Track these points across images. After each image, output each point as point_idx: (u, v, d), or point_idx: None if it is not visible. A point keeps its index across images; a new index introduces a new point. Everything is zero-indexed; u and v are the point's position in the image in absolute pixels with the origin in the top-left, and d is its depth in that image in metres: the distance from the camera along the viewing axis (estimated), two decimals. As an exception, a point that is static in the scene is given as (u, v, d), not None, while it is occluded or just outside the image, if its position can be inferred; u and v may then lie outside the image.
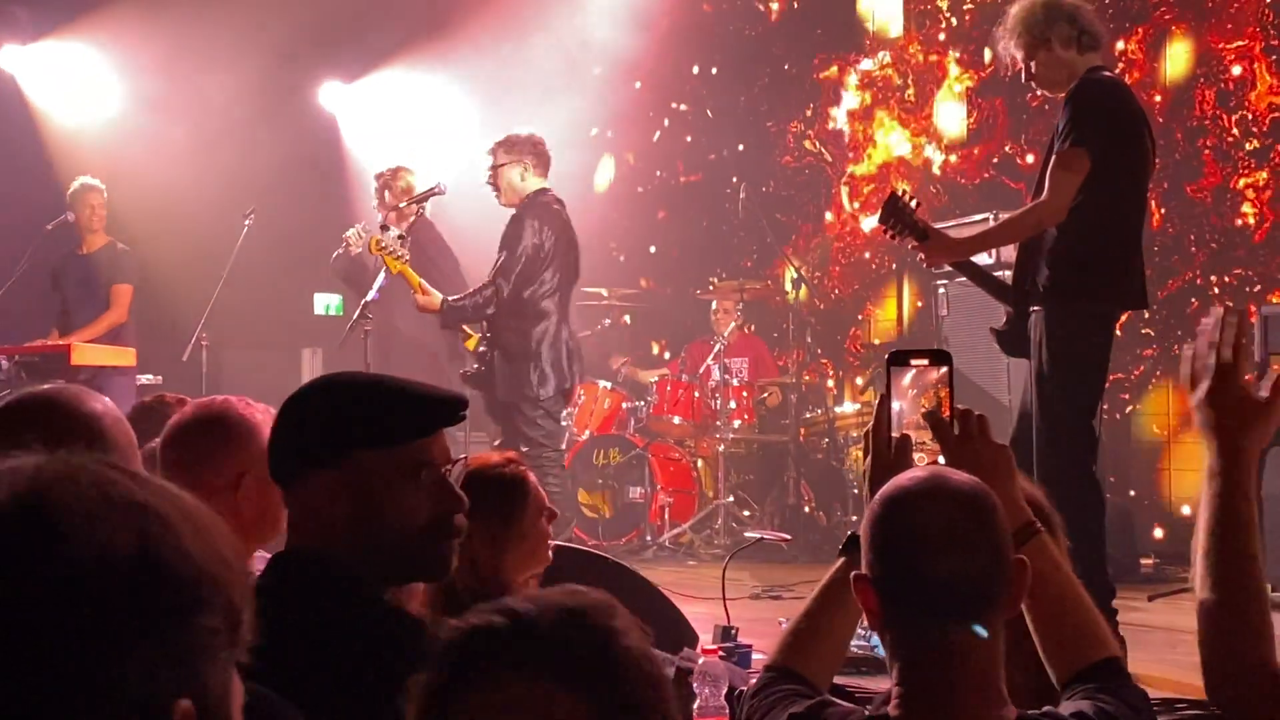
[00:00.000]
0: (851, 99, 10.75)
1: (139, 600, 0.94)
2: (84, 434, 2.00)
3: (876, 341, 10.29)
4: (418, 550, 2.21)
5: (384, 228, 7.48)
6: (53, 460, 1.00)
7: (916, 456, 2.24)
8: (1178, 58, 8.62)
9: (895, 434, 2.24)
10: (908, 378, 2.26)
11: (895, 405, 2.25)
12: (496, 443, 7.40)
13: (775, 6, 11.32)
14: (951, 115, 10.02)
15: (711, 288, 10.43)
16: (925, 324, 9.12)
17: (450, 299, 7.32)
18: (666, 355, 11.67)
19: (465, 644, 1.27)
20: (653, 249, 12.13)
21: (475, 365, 7.38)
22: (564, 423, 9.11)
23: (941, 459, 2.19)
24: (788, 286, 10.12)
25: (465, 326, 7.48)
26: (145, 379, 8.99)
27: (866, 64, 10.62)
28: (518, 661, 1.24)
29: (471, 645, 1.26)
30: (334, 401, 2.26)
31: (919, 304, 9.92)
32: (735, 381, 9.51)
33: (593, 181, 12.28)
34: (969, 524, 1.92)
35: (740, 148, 11.54)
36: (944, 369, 2.25)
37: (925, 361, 2.27)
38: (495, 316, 7.28)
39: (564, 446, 8.38)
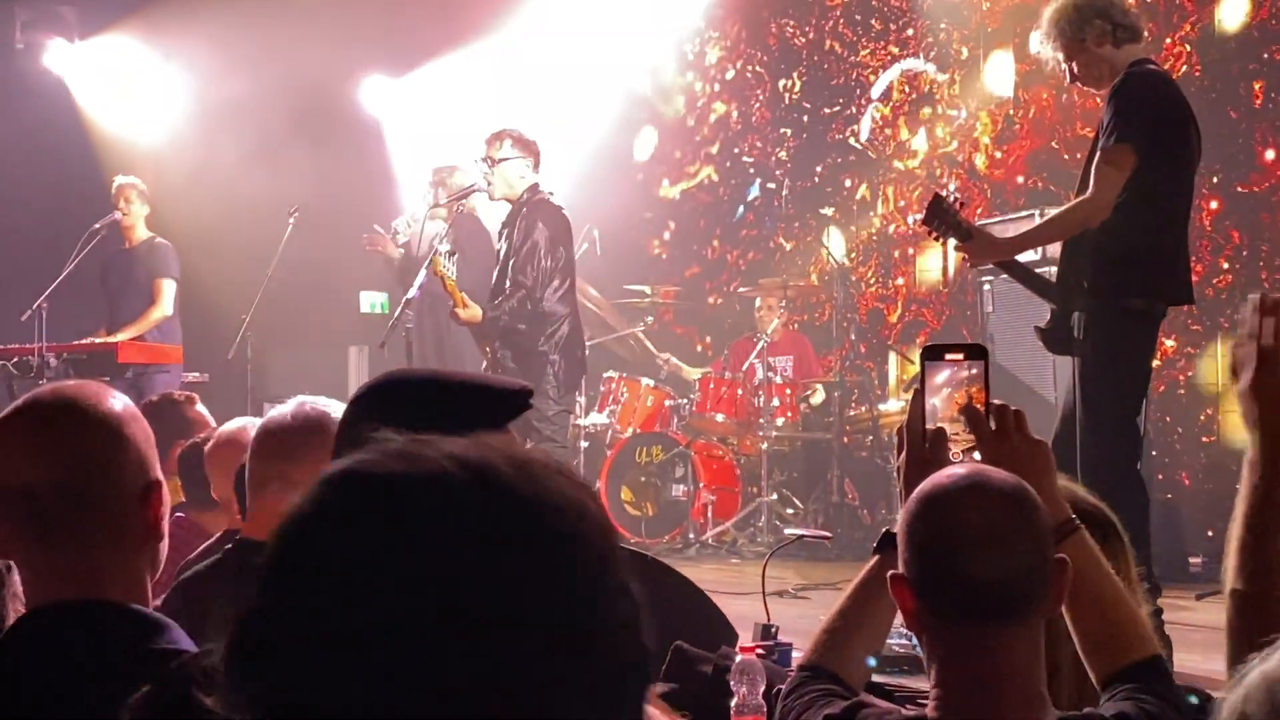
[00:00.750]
0: (896, 95, 10.69)
1: (622, 563, 0.95)
2: (103, 433, 2.00)
3: (919, 339, 10.22)
4: None
5: (450, 253, 7.48)
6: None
7: (950, 451, 2.21)
8: (1226, 49, 8.52)
9: (930, 428, 2.21)
10: (943, 374, 2.23)
11: (930, 401, 2.22)
12: None
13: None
14: (996, 110, 9.95)
15: (756, 285, 10.38)
16: (974, 322, 9.06)
17: (489, 311, 7.34)
18: (710, 354, 11.63)
19: None
20: (694, 246, 12.10)
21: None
22: (585, 420, 9.16)
23: (977, 454, 2.16)
24: (831, 283, 10.04)
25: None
26: (192, 377, 9.06)
27: (912, 62, 10.56)
28: None
29: None
30: (414, 396, 2.26)
31: (969, 301, 9.84)
32: (779, 379, 9.48)
33: (637, 185, 12.24)
34: (1010, 523, 1.89)
35: (785, 143, 11.49)
36: (980, 364, 2.21)
37: (960, 356, 2.22)
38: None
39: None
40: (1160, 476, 7.81)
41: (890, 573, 1.96)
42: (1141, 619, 2.11)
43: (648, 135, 12.38)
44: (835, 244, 10.68)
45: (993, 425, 2.17)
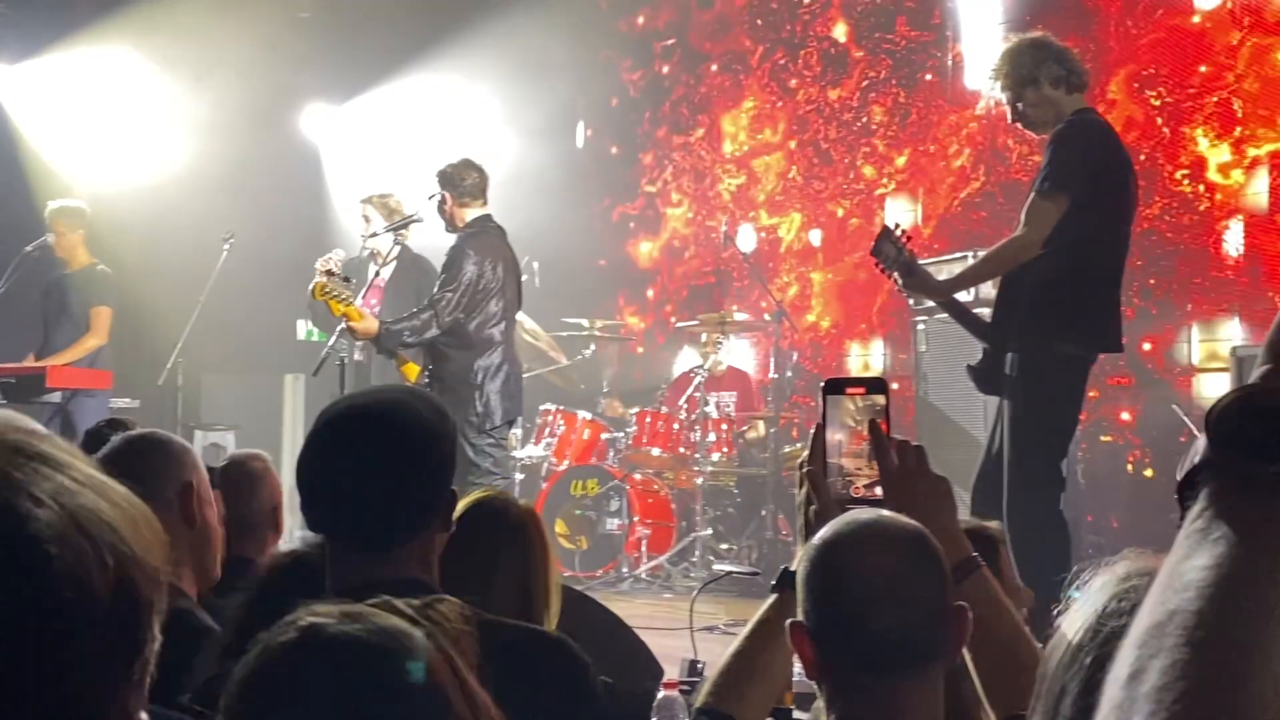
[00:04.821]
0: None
1: None
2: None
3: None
4: None
5: (329, 273, 7.29)
6: None
7: (844, 483, 2.19)
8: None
9: (832, 462, 2.19)
10: (845, 407, 2.19)
11: (833, 436, 2.19)
12: None
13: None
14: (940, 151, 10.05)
15: (697, 321, 10.36)
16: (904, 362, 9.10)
17: (387, 323, 7.15)
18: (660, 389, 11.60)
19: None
20: (635, 279, 12.11)
21: None
22: (520, 452, 9.14)
23: (879, 489, 2.14)
24: (770, 319, 10.03)
25: (405, 356, 7.28)
26: (123, 403, 8.95)
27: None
28: None
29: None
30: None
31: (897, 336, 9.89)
32: (716, 414, 9.47)
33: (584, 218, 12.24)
34: (911, 574, 1.87)
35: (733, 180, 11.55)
36: (881, 397, 2.19)
37: (862, 389, 2.19)
38: (441, 347, 7.15)
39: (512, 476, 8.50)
40: (1090, 518, 7.87)
41: (789, 621, 1.93)
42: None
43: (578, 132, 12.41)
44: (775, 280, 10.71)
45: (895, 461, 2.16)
